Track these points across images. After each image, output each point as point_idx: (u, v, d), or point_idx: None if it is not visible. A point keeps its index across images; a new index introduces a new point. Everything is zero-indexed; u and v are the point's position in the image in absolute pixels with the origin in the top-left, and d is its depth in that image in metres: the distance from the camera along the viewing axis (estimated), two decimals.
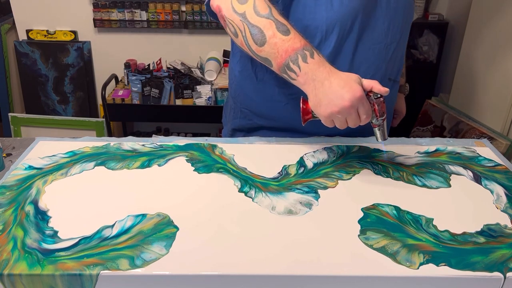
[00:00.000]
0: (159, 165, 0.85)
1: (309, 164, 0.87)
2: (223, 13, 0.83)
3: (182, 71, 2.34)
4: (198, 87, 2.29)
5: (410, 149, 0.94)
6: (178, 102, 2.28)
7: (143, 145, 0.92)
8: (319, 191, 0.78)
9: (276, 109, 0.99)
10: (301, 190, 0.78)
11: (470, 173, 0.86)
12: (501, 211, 0.75)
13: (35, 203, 0.73)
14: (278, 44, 0.77)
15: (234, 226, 0.69)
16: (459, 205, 0.76)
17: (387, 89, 0.76)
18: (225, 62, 2.42)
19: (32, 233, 0.66)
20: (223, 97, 2.27)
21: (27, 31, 2.42)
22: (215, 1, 0.85)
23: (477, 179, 0.84)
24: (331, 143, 0.95)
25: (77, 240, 0.65)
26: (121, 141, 0.94)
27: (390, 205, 0.75)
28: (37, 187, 0.78)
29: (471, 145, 0.97)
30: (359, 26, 0.89)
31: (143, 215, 0.71)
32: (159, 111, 2.29)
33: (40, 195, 0.75)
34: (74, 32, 2.43)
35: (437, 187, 0.81)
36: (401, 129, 1.31)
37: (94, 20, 2.37)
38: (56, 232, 0.67)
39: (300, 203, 0.75)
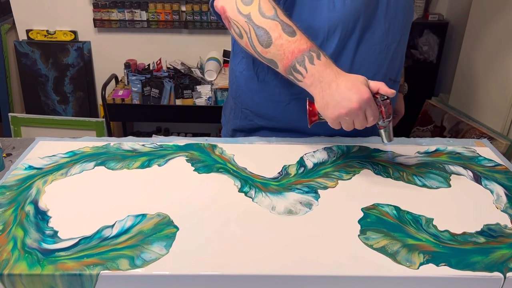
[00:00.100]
0: (159, 165, 0.85)
1: (309, 164, 0.87)
2: (228, 14, 0.83)
3: (182, 71, 2.34)
4: (198, 87, 2.29)
5: (410, 149, 0.94)
6: (178, 102, 2.28)
7: (143, 145, 0.92)
8: (319, 191, 0.78)
9: (278, 109, 0.99)
10: (301, 190, 0.78)
11: (470, 173, 0.86)
12: (501, 211, 0.75)
13: (35, 203, 0.73)
14: (284, 45, 0.77)
15: (234, 226, 0.69)
16: (459, 205, 0.76)
17: (393, 91, 0.75)
18: (225, 62, 2.42)
19: (32, 233, 0.66)
20: (223, 97, 2.27)
21: (27, 31, 2.42)
22: (220, 2, 0.84)
23: (477, 179, 0.84)
24: (331, 143, 0.95)
25: (77, 240, 0.65)
26: (121, 141, 0.94)
27: (390, 205, 0.75)
28: (37, 187, 0.78)
29: (471, 145, 0.97)
30: (360, 26, 0.89)
31: (143, 215, 0.71)
32: (159, 111, 2.29)
33: (40, 195, 0.75)
34: (74, 32, 2.43)
35: (437, 187, 0.81)
36: (401, 129, 1.31)
37: (94, 20, 2.37)
38: (56, 232, 0.67)
39: (300, 203, 0.75)
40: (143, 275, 0.60)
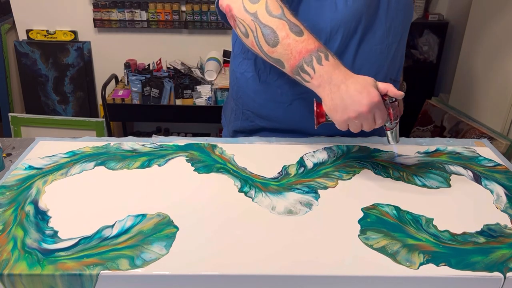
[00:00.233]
0: (159, 165, 0.85)
1: (309, 164, 0.87)
2: (234, 12, 0.81)
3: (182, 71, 2.34)
4: (198, 87, 2.29)
5: (410, 149, 0.94)
6: (178, 102, 2.28)
7: (143, 145, 0.92)
8: (319, 191, 0.78)
9: (279, 110, 0.99)
10: (301, 190, 0.78)
11: (470, 173, 0.86)
12: (501, 211, 0.75)
13: (35, 203, 0.73)
14: (292, 45, 0.76)
15: (234, 226, 0.69)
16: (459, 205, 0.76)
17: (402, 93, 0.75)
18: (225, 62, 2.42)
19: (32, 233, 0.66)
20: (223, 97, 2.27)
21: (27, 31, 2.42)
22: (225, 0, 0.83)
23: (477, 179, 0.84)
24: (331, 143, 0.95)
25: (77, 240, 0.65)
26: (121, 141, 0.94)
27: (390, 205, 0.75)
28: (37, 187, 0.78)
29: (471, 145, 0.97)
30: (362, 27, 0.89)
31: (143, 215, 0.71)
32: (159, 111, 2.29)
33: (40, 195, 0.75)
34: (74, 32, 2.43)
35: (437, 187, 0.81)
36: (401, 129, 1.30)
37: (94, 20, 2.37)
38: (56, 232, 0.67)
39: (300, 203, 0.75)
40: (143, 275, 0.60)
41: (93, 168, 0.84)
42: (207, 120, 2.33)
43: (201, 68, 2.39)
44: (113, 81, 2.42)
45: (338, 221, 0.71)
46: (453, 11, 2.40)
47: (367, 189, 0.80)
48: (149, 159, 0.87)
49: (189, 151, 0.91)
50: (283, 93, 0.96)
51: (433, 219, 0.72)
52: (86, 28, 2.42)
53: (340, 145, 0.94)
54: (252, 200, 0.75)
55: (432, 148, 0.94)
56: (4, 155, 0.91)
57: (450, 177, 0.84)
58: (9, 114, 2.44)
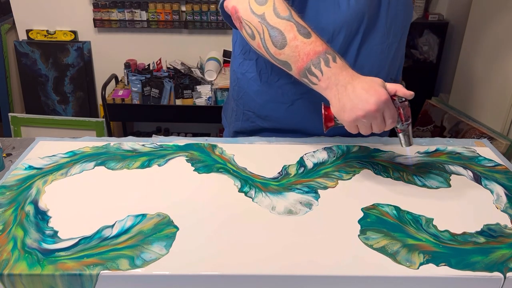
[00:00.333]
0: (159, 165, 0.85)
1: (309, 164, 0.87)
2: (240, 14, 0.80)
3: (182, 71, 2.34)
4: (198, 87, 2.29)
5: (410, 149, 0.94)
6: (178, 102, 2.28)
7: (143, 145, 0.92)
8: (319, 191, 0.78)
9: (280, 110, 0.98)
10: (301, 190, 0.78)
11: (470, 173, 0.86)
12: (501, 211, 0.75)
13: (35, 203, 0.73)
14: (299, 47, 0.75)
15: (234, 226, 0.69)
16: (459, 205, 0.76)
17: (412, 93, 0.74)
18: (225, 62, 2.42)
19: (32, 233, 0.66)
20: (223, 97, 2.27)
21: (27, 31, 2.42)
22: (231, 2, 0.82)
23: (477, 179, 0.84)
24: (331, 143, 0.95)
25: (77, 240, 0.65)
26: (121, 141, 0.94)
27: (390, 205, 0.75)
28: (37, 187, 0.78)
29: (471, 145, 0.97)
30: (364, 27, 0.89)
31: (143, 215, 0.71)
32: (159, 111, 2.29)
33: (40, 195, 0.75)
34: (74, 32, 2.43)
35: (437, 187, 0.81)
36: None
37: (94, 20, 2.37)
38: (56, 232, 0.67)
39: (300, 203, 0.75)
40: (143, 275, 0.60)
41: (93, 168, 0.84)
42: (207, 120, 2.33)
43: (201, 68, 2.39)
44: (113, 81, 2.42)
45: (338, 221, 0.71)
46: (453, 11, 2.40)
47: (367, 189, 0.80)
48: (149, 159, 0.87)
49: (189, 151, 0.91)
50: (285, 93, 0.96)
51: (433, 219, 0.72)
52: (86, 28, 2.42)
53: (340, 145, 0.94)
54: (252, 200, 0.75)
55: (432, 148, 0.94)
56: (4, 155, 0.91)
57: (450, 177, 0.84)
58: (9, 114, 2.44)
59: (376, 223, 0.70)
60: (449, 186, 0.82)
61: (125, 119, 2.47)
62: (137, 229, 0.68)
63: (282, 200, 0.75)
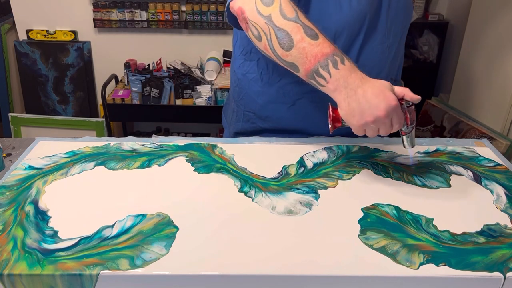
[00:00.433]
0: (159, 165, 0.85)
1: (309, 164, 0.87)
2: (246, 15, 0.80)
3: (182, 71, 2.34)
4: (198, 87, 2.29)
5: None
6: (178, 102, 2.28)
7: (143, 145, 0.92)
8: (319, 191, 0.78)
9: (281, 111, 0.98)
10: (301, 190, 0.78)
11: (470, 173, 0.86)
12: (501, 211, 0.75)
13: (35, 203, 0.73)
14: (307, 48, 0.74)
15: (234, 226, 0.69)
16: (459, 205, 0.76)
17: (419, 97, 0.74)
18: (225, 62, 2.42)
19: (32, 233, 0.66)
20: (223, 97, 2.27)
21: (27, 31, 2.42)
22: (237, 2, 0.82)
23: (477, 179, 0.84)
24: (331, 143, 0.95)
25: (77, 240, 0.65)
26: (121, 141, 0.94)
27: (390, 205, 0.75)
28: (37, 187, 0.78)
29: (471, 145, 0.97)
30: (365, 28, 0.89)
31: (143, 215, 0.71)
32: (159, 111, 2.29)
33: (40, 195, 0.75)
34: (74, 32, 2.43)
35: (437, 187, 0.81)
36: None
37: (94, 20, 2.37)
38: (56, 232, 0.67)
39: (300, 203, 0.75)
40: (143, 275, 0.60)
41: (93, 168, 0.84)
42: (207, 120, 2.33)
43: (201, 68, 2.39)
44: (113, 81, 2.42)
45: (338, 221, 0.71)
46: (453, 11, 2.40)
47: (367, 189, 0.80)
48: (149, 159, 0.87)
49: (189, 151, 0.91)
50: (286, 93, 0.96)
51: (433, 219, 0.72)
52: (86, 28, 2.42)
53: (340, 145, 0.94)
54: (252, 200, 0.75)
55: (432, 148, 0.94)
56: (4, 155, 0.91)
57: (450, 177, 0.84)
58: (9, 114, 2.44)
59: (376, 223, 0.70)
60: (449, 186, 0.82)
61: (125, 119, 2.47)
62: (137, 229, 0.68)
63: (282, 200, 0.75)
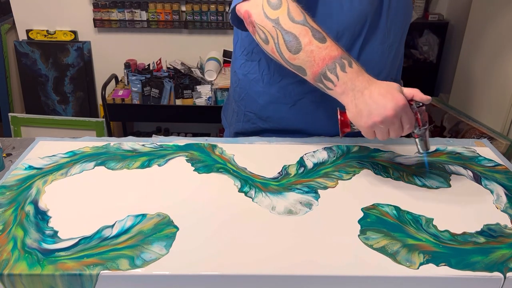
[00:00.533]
0: (159, 165, 0.85)
1: (309, 164, 0.87)
2: (253, 18, 0.79)
3: (182, 71, 2.34)
4: (198, 87, 2.29)
5: (410, 149, 0.94)
6: (178, 102, 2.28)
7: (143, 145, 0.92)
8: (319, 191, 0.78)
9: (282, 111, 0.98)
10: (301, 190, 0.78)
11: (470, 173, 0.86)
12: (501, 211, 0.75)
13: (35, 203, 0.73)
14: (315, 52, 0.74)
15: (234, 226, 0.69)
16: (459, 205, 0.76)
17: (429, 97, 0.73)
18: (225, 62, 2.42)
19: (32, 233, 0.66)
20: (223, 97, 2.27)
21: (27, 31, 2.42)
22: (244, 6, 0.81)
23: (477, 179, 0.84)
24: (331, 143, 0.95)
25: (77, 240, 0.65)
26: (121, 141, 0.94)
27: (390, 205, 0.75)
28: (37, 187, 0.78)
29: (471, 145, 0.97)
30: (367, 28, 0.89)
31: (143, 215, 0.71)
32: (159, 111, 2.29)
33: (40, 195, 0.75)
34: (74, 32, 2.43)
35: (437, 187, 0.81)
36: None
37: (94, 20, 2.37)
38: (56, 232, 0.67)
39: (300, 203, 0.75)
40: (143, 275, 0.60)
41: (93, 168, 0.84)
42: (207, 120, 2.33)
43: (201, 68, 2.39)
44: (113, 81, 2.42)
45: (338, 221, 0.71)
46: (453, 11, 2.40)
47: (367, 189, 0.80)
48: (149, 159, 0.87)
49: (189, 151, 0.91)
50: (287, 94, 0.96)
51: (433, 219, 0.72)
52: (86, 28, 2.42)
53: (340, 145, 0.94)
54: (252, 200, 0.75)
55: (432, 148, 0.94)
56: (4, 155, 0.91)
57: (450, 177, 0.84)
58: (9, 114, 2.44)
59: (376, 223, 0.70)
60: (449, 186, 0.82)
61: (125, 119, 2.47)
62: (137, 229, 0.68)
63: (282, 200, 0.75)
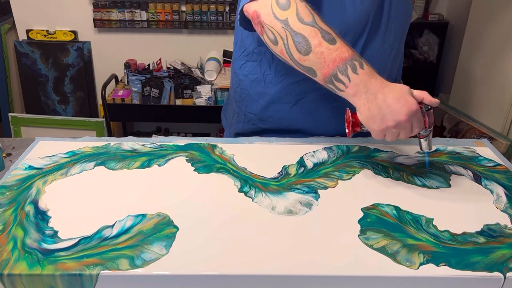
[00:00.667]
0: (159, 165, 0.85)
1: (309, 164, 0.87)
2: (262, 19, 0.78)
3: (182, 71, 2.34)
4: (198, 87, 2.29)
5: (410, 149, 0.94)
6: (178, 102, 2.28)
7: (143, 145, 0.92)
8: (319, 191, 0.78)
9: (283, 111, 0.98)
10: (301, 190, 0.78)
11: (470, 173, 0.86)
12: (501, 211, 0.75)
13: (35, 203, 0.73)
14: (325, 53, 0.73)
15: (234, 226, 0.69)
16: (459, 205, 0.76)
17: (437, 100, 0.74)
18: (225, 62, 2.42)
19: (32, 233, 0.66)
20: (223, 97, 2.27)
21: (27, 31, 2.42)
22: (252, 6, 0.80)
23: (477, 179, 0.84)
24: (331, 143, 0.95)
25: (77, 240, 0.65)
26: (121, 141, 0.94)
27: (390, 205, 0.75)
28: (37, 187, 0.78)
29: (471, 145, 0.97)
30: (368, 28, 0.89)
31: (143, 215, 0.71)
32: (159, 111, 2.29)
33: (40, 195, 0.75)
34: (74, 32, 2.43)
35: (437, 187, 0.81)
36: None
37: (94, 20, 2.37)
38: (56, 232, 0.67)
39: (300, 203, 0.75)
40: (143, 275, 0.60)
41: (93, 168, 0.84)
42: (207, 120, 2.33)
43: (201, 68, 2.39)
44: (113, 81, 2.42)
45: (338, 221, 0.71)
46: (453, 11, 2.40)
47: (367, 189, 0.80)
48: (149, 159, 0.87)
49: (189, 151, 0.91)
50: (288, 93, 0.96)
51: (433, 219, 0.72)
52: (86, 28, 2.42)
53: (340, 145, 0.94)
54: (252, 200, 0.75)
55: (432, 148, 0.94)
56: (4, 155, 0.91)
57: (450, 177, 0.84)
58: (9, 114, 2.44)
59: (376, 223, 0.70)
60: (449, 186, 0.82)
61: (125, 119, 2.47)
62: (137, 229, 0.68)
63: (282, 200, 0.75)
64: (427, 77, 2.47)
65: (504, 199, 0.78)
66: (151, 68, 2.38)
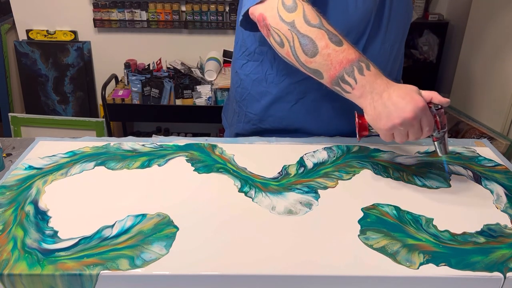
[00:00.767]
0: (159, 165, 0.85)
1: (309, 164, 0.87)
2: (268, 21, 0.78)
3: (182, 71, 2.34)
4: (198, 87, 2.29)
5: (410, 149, 0.94)
6: (178, 102, 2.28)
7: (143, 145, 0.92)
8: (319, 191, 0.78)
9: (284, 110, 0.98)
10: (301, 190, 0.78)
11: (470, 173, 0.86)
12: (501, 211, 0.75)
13: (35, 203, 0.73)
14: (332, 55, 0.73)
15: (234, 226, 0.69)
16: (459, 205, 0.76)
17: (448, 100, 0.73)
18: (225, 62, 2.42)
19: (32, 233, 0.66)
20: (223, 97, 2.27)
21: (27, 31, 2.42)
22: (258, 9, 0.79)
23: (477, 179, 0.84)
24: (331, 143, 0.95)
25: (77, 240, 0.65)
26: (121, 141, 0.94)
27: (390, 205, 0.75)
28: (37, 187, 0.78)
29: (471, 145, 0.97)
30: (370, 28, 0.89)
31: (143, 215, 0.71)
32: (159, 111, 2.29)
33: (40, 195, 0.75)
34: (74, 32, 2.43)
35: (437, 187, 0.81)
36: None
37: (94, 20, 2.37)
38: (56, 232, 0.67)
39: (300, 203, 0.75)
40: (143, 275, 0.60)
41: (93, 168, 0.84)
42: (207, 120, 2.33)
43: (201, 68, 2.39)
44: (113, 81, 2.42)
45: (338, 221, 0.71)
46: (453, 11, 2.40)
47: (367, 189, 0.80)
48: (149, 159, 0.87)
49: (189, 151, 0.91)
50: (289, 92, 0.96)
51: (433, 219, 0.72)
52: (86, 28, 2.42)
53: (340, 145, 0.94)
54: (252, 200, 0.75)
55: (432, 148, 0.94)
56: (4, 155, 0.91)
57: (450, 177, 0.84)
58: (9, 114, 2.45)
59: (376, 223, 0.70)
60: (449, 186, 0.82)
61: (125, 119, 2.47)
62: (137, 229, 0.68)
63: (282, 200, 0.75)
64: (427, 77, 2.47)
65: (504, 199, 0.78)
66: (151, 68, 2.39)
